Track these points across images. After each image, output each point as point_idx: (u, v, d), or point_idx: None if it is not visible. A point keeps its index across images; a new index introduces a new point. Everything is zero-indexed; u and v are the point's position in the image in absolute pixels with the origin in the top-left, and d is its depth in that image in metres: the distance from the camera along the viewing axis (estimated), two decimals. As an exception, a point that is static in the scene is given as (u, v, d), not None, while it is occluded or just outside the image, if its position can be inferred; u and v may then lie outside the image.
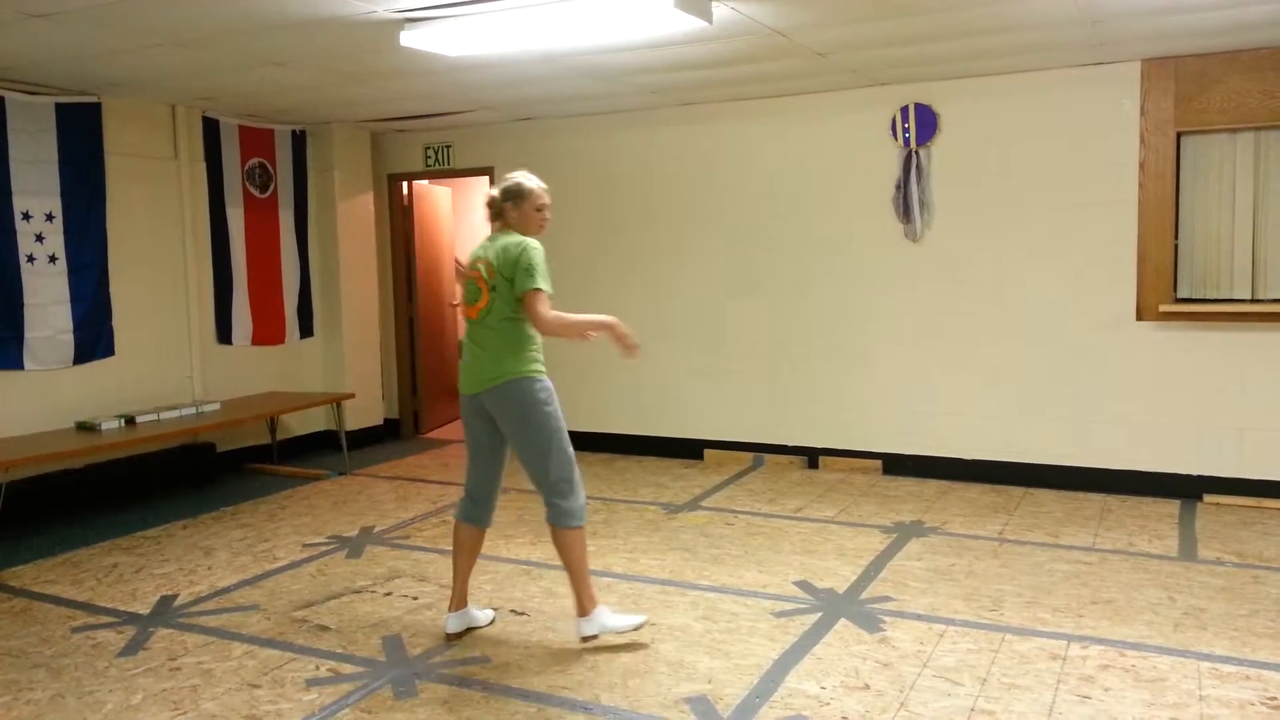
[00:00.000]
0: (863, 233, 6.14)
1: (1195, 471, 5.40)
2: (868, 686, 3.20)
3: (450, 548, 3.82)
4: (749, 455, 6.61)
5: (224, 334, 6.71)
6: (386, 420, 7.85)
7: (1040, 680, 3.19)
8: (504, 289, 3.44)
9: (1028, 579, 4.20)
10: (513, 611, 3.93)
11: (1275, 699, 3.05)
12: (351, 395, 7.05)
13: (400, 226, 7.82)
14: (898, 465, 6.15)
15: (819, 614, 3.84)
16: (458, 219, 8.73)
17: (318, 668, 3.44)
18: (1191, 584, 4.10)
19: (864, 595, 4.04)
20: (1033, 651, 3.43)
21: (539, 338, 3.51)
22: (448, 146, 7.52)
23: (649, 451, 6.95)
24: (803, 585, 4.17)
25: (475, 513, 3.65)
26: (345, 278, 7.40)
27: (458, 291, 8.67)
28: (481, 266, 3.51)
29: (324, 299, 7.42)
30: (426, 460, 7.02)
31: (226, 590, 4.29)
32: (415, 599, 4.11)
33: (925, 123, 5.91)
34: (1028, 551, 4.58)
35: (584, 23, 4.17)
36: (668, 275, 6.80)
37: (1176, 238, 5.38)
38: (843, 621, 3.76)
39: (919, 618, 3.78)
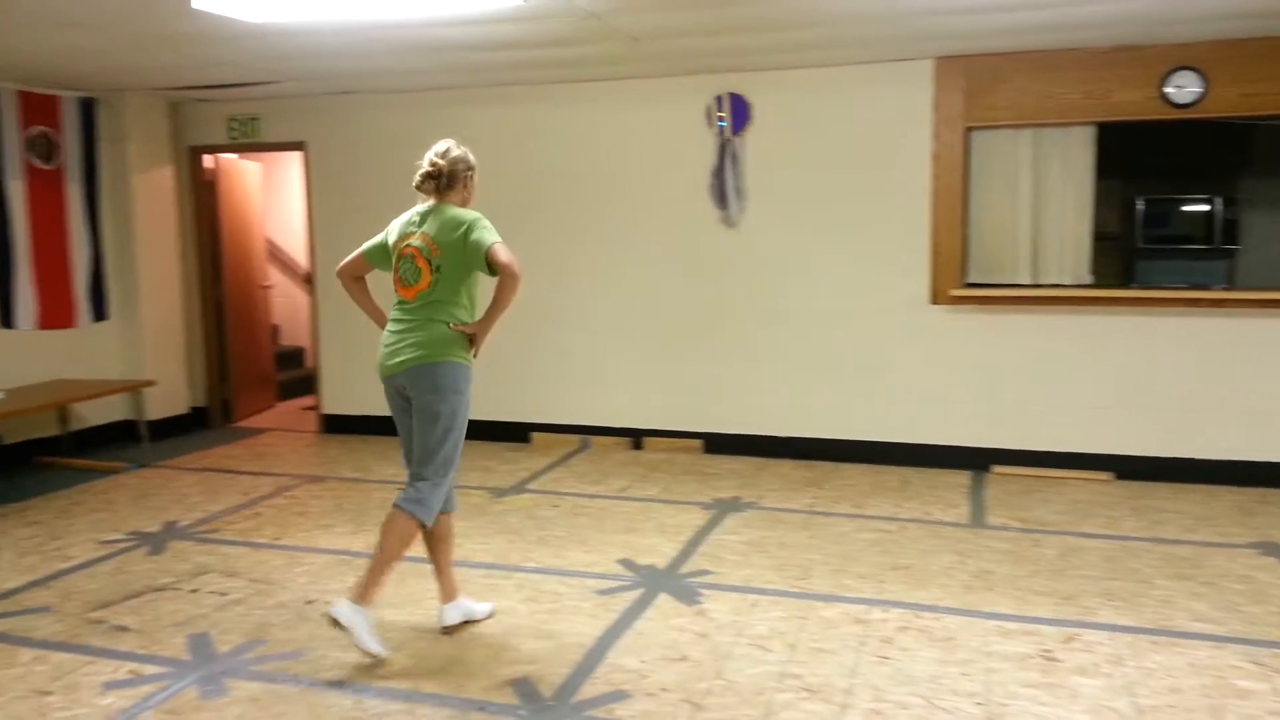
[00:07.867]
0: (681, 218, 6.26)
1: (984, 444, 5.84)
2: (685, 658, 3.31)
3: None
4: (575, 437, 6.66)
5: (5, 317, 6.15)
6: (193, 409, 7.41)
7: (844, 644, 3.39)
8: (450, 268, 3.35)
9: (835, 548, 4.44)
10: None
11: (1050, 651, 3.36)
12: (151, 382, 6.62)
13: (205, 202, 7.38)
14: (718, 444, 6.35)
15: (640, 590, 3.93)
16: (269, 196, 8.33)
17: (116, 670, 3.25)
18: (980, 549, 4.45)
19: (683, 570, 4.17)
20: (838, 617, 3.64)
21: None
22: (254, 119, 7.14)
23: (474, 436, 6.85)
24: (625, 563, 4.26)
25: None
26: (143, 256, 6.91)
27: (270, 273, 8.29)
28: (420, 244, 3.38)
29: (121, 279, 6.90)
30: (238, 450, 6.69)
31: (12, 593, 3.97)
32: (224, 595, 3.93)
33: (740, 112, 6.09)
34: (835, 523, 4.84)
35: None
36: (491, 257, 6.72)
37: (966, 226, 5.78)
38: (663, 596, 3.86)
39: (734, 589, 3.94)
